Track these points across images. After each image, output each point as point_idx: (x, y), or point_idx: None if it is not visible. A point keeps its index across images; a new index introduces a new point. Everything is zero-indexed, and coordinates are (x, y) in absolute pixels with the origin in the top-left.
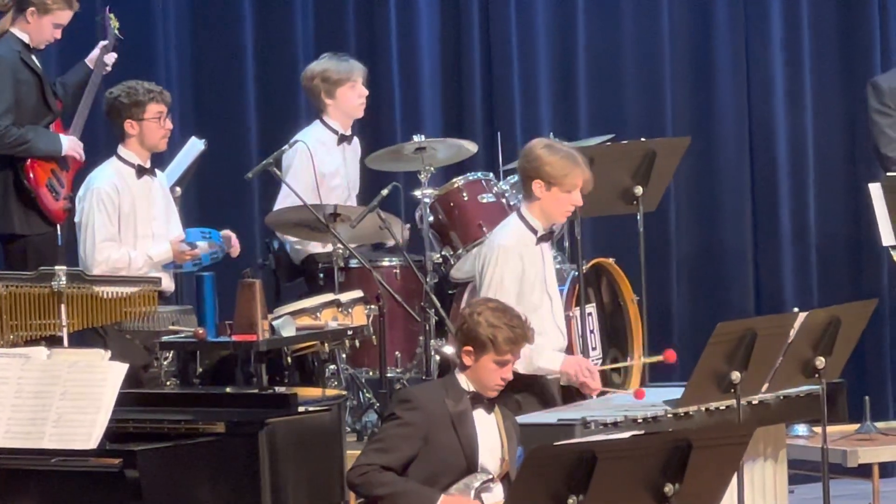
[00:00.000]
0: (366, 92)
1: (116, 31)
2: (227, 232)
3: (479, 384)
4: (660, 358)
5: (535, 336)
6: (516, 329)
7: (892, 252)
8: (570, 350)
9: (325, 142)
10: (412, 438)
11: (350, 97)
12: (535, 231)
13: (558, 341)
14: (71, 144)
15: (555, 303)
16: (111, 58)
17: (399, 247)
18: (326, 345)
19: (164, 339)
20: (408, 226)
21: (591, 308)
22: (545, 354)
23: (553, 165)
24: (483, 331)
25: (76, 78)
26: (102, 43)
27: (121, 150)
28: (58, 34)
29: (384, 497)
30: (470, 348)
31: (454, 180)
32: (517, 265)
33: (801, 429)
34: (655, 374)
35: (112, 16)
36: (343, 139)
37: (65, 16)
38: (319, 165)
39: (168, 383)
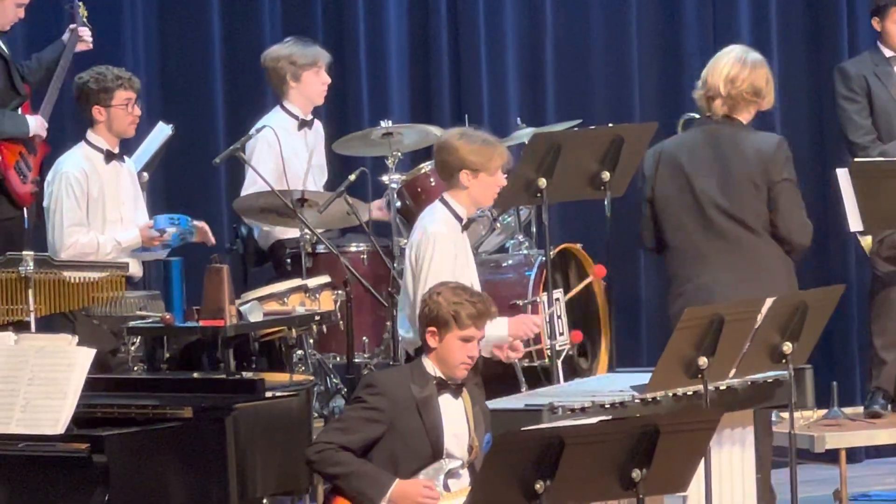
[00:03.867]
0: (328, 80)
1: (85, 20)
2: (201, 224)
3: (445, 365)
4: (589, 280)
5: None
6: (477, 304)
7: (859, 238)
8: (537, 336)
9: (286, 128)
10: (375, 423)
11: (314, 83)
12: (460, 219)
13: None
14: (37, 124)
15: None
16: (86, 31)
17: (366, 230)
18: (294, 330)
19: (132, 324)
20: (383, 200)
21: (558, 293)
22: (491, 324)
23: (475, 153)
24: (444, 309)
25: (53, 55)
26: (72, 26)
27: (89, 134)
28: (21, 13)
29: (339, 476)
30: (433, 328)
31: (421, 165)
32: (451, 251)
33: None
34: (624, 360)
35: (81, 4)
36: (304, 124)
37: None
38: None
39: (136, 368)
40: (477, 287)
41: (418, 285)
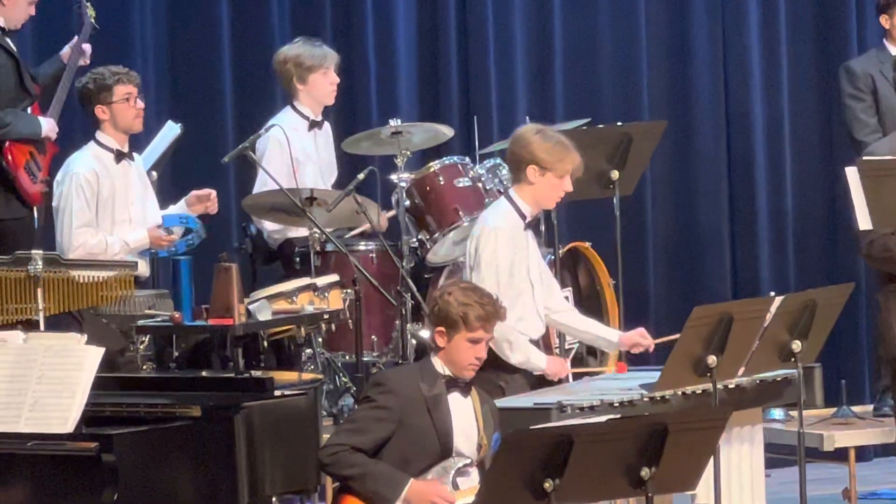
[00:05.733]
0: (337, 79)
1: (92, 20)
2: (206, 191)
3: (453, 365)
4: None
5: (518, 321)
6: (487, 306)
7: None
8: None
9: (296, 127)
10: (385, 421)
11: (322, 84)
12: (524, 216)
13: (537, 328)
14: (49, 127)
15: (536, 289)
16: (87, 48)
17: (375, 231)
18: (303, 329)
19: (141, 323)
20: (392, 212)
21: (567, 292)
22: (534, 350)
23: (548, 151)
24: (454, 310)
25: (50, 70)
26: (76, 38)
27: (98, 135)
28: (32, 10)
29: (353, 478)
30: (442, 329)
31: (430, 164)
32: (511, 248)
33: (777, 412)
34: (633, 358)
35: (89, 4)
36: (314, 125)
37: None
38: (292, 150)
39: (144, 367)
40: (540, 285)
41: (475, 277)
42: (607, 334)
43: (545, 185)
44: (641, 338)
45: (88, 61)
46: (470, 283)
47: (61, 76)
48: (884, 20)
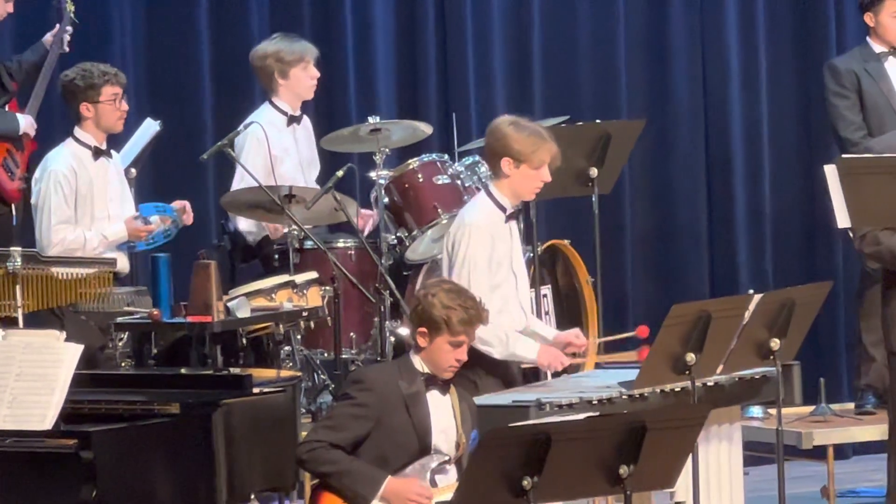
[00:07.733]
0: (317, 73)
1: (72, 16)
2: (180, 202)
3: (433, 366)
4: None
5: (497, 314)
6: (470, 310)
7: (850, 233)
8: None
9: (275, 123)
10: (363, 419)
11: (303, 78)
12: (503, 209)
13: (519, 320)
14: (27, 124)
15: (520, 280)
16: (68, 37)
17: (355, 229)
18: (281, 326)
19: (120, 320)
20: (374, 212)
21: (546, 290)
22: (521, 342)
23: (521, 142)
24: (437, 312)
25: (34, 57)
26: (57, 27)
27: (77, 131)
28: (10, 8)
29: (330, 474)
30: (424, 329)
31: (409, 162)
32: (488, 243)
33: (755, 410)
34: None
35: (69, 0)
36: (293, 120)
37: None
38: (271, 147)
39: (123, 364)
40: (523, 276)
41: (452, 274)
42: (544, 331)
43: (521, 176)
44: (575, 337)
45: (68, 49)
46: (454, 285)
47: (44, 62)
48: (868, 18)
